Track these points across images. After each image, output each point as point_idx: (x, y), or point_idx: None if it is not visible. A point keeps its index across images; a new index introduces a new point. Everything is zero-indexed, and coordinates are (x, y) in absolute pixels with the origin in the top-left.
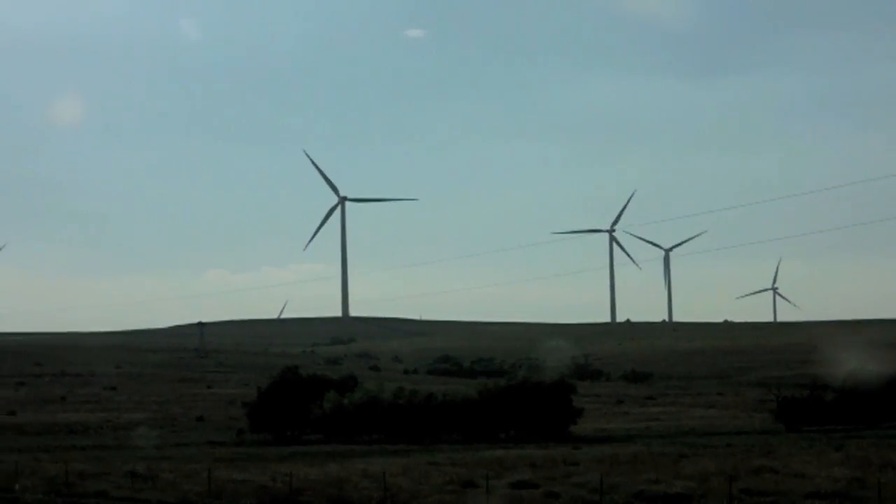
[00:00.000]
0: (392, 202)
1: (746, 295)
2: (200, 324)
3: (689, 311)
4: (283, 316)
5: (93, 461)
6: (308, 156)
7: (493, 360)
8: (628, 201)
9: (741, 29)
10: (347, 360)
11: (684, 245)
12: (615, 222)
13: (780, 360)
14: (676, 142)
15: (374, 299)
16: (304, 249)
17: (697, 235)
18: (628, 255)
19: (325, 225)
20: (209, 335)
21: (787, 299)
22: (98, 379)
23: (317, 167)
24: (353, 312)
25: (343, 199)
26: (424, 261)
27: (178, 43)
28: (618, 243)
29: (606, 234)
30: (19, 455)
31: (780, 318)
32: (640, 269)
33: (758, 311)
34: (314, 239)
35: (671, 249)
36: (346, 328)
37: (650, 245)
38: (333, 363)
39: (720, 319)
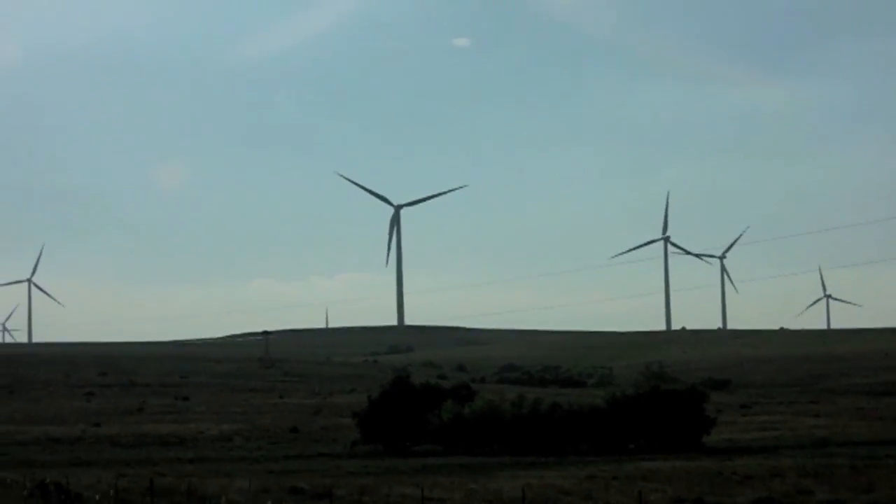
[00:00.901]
0: (444, 196)
1: (806, 309)
2: (266, 333)
3: (735, 319)
4: (334, 325)
5: (225, 476)
6: (345, 177)
7: (560, 369)
8: (667, 205)
9: (789, 35)
10: (413, 369)
11: (732, 251)
12: (665, 229)
13: (857, 367)
14: (720, 149)
15: (420, 308)
16: (387, 265)
17: (742, 234)
18: (696, 255)
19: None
20: (260, 345)
21: (848, 302)
22: (167, 389)
23: (357, 185)
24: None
25: (398, 208)
26: (469, 272)
27: (224, 55)
28: (678, 247)
29: (661, 243)
30: (132, 469)
31: (832, 326)
32: (711, 264)
33: (809, 319)
34: (390, 251)
35: (724, 256)
36: (398, 337)
37: (701, 256)
38: (401, 372)
39: (769, 327)
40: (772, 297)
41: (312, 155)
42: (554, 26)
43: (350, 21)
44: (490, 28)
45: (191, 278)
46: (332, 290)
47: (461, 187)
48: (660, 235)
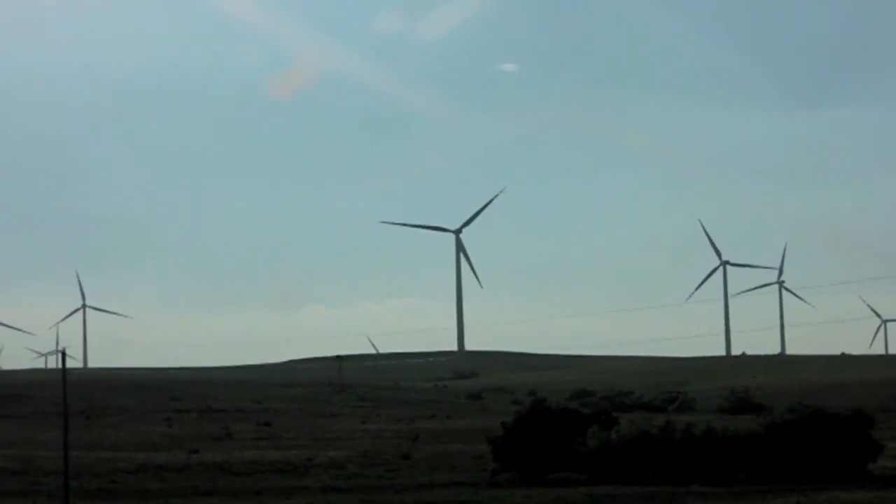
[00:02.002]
0: (490, 207)
1: (873, 339)
2: (339, 357)
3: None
4: (384, 350)
5: None
6: (390, 222)
7: (632, 394)
8: (705, 232)
9: (834, 61)
10: (487, 394)
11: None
12: (719, 255)
13: None
14: (766, 175)
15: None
16: (482, 287)
17: (785, 251)
18: (754, 266)
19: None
20: (323, 370)
21: None
22: (245, 414)
23: (406, 225)
24: (446, 346)
25: (458, 233)
26: (519, 298)
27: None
28: (740, 265)
29: (721, 269)
30: (271, 498)
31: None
32: (784, 280)
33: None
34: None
35: (783, 281)
36: (455, 362)
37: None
38: (476, 398)
39: (827, 352)
40: (819, 322)
41: (361, 181)
42: (599, 52)
43: (395, 46)
44: (537, 53)
45: (241, 304)
46: (382, 315)
47: (502, 191)
48: (716, 262)
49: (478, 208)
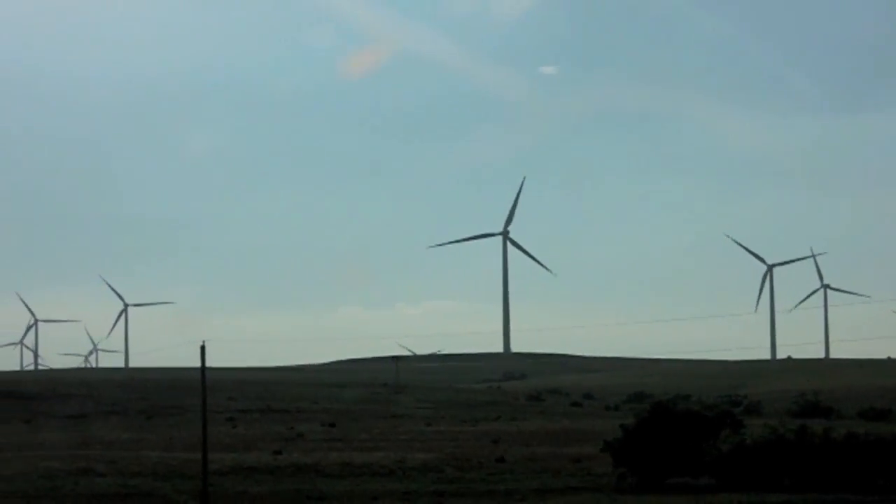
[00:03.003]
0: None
1: None
2: (395, 358)
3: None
4: (420, 353)
5: None
6: (437, 244)
7: (691, 398)
8: (738, 243)
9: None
10: (546, 396)
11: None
12: (762, 260)
13: None
14: (811, 180)
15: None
16: (554, 275)
17: (815, 255)
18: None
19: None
20: (364, 371)
21: None
22: (307, 415)
23: (453, 242)
24: (483, 349)
25: (505, 234)
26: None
27: (306, 86)
28: (785, 262)
29: (767, 273)
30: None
31: None
32: (827, 283)
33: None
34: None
35: (828, 284)
36: (499, 364)
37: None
38: (536, 399)
39: (869, 356)
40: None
41: (399, 184)
42: (640, 55)
43: (435, 51)
44: (577, 56)
45: (278, 305)
46: (417, 318)
47: (523, 180)
48: (762, 269)
49: (511, 208)
